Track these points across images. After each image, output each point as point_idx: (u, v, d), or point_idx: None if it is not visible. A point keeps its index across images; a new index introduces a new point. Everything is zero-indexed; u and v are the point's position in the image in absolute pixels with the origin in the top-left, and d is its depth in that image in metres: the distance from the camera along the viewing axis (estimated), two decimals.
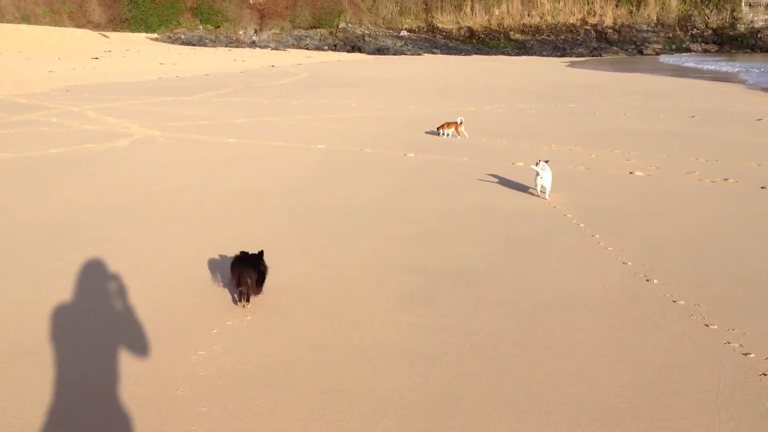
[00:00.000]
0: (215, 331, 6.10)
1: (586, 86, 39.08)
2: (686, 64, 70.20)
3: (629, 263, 8.05)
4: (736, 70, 56.63)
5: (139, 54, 72.36)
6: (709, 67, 63.36)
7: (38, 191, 11.48)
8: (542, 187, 11.50)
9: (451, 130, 18.25)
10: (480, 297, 6.97)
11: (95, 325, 6.16)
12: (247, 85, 35.93)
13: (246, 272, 6.57)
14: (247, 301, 6.68)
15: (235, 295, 6.80)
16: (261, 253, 6.84)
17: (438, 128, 18.42)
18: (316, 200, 10.99)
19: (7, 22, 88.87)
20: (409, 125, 20.58)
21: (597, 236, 9.20)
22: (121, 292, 6.95)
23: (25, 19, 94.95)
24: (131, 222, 9.62)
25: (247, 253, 6.80)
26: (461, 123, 18.05)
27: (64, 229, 9.20)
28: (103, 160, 14.22)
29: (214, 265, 7.73)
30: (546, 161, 11.85)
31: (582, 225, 9.68)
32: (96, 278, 7.37)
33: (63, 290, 6.93)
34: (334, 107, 25.34)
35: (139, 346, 5.77)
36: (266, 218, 9.94)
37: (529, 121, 22.20)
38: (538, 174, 11.49)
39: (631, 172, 13.62)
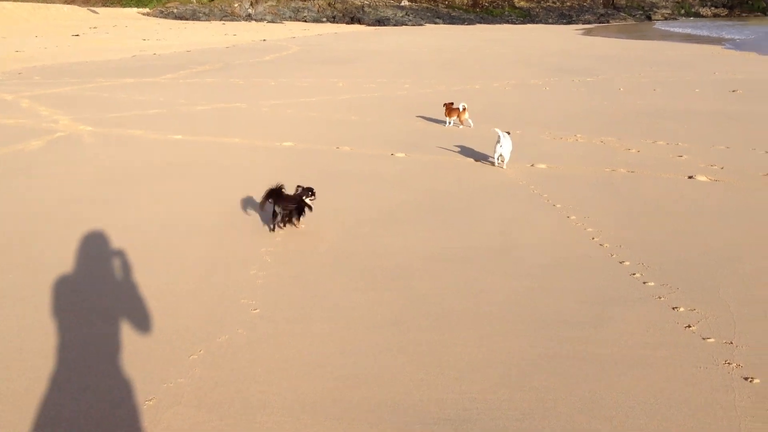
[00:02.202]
0: None
1: (601, 56, 35.54)
2: (699, 32, 65.84)
3: None
4: (753, 36, 52.70)
5: (125, 30, 68.74)
6: (724, 34, 59.19)
7: None
8: (500, 155, 10.93)
9: (453, 119, 14.82)
10: None
11: None
12: (227, 62, 32.43)
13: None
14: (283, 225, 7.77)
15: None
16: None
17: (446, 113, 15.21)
18: (244, 251, 7.58)
19: None
20: (402, 111, 17.17)
21: (693, 328, 5.85)
22: None
23: None
24: None
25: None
26: (464, 110, 14.62)
27: None
28: None
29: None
30: (507, 132, 11.25)
31: (662, 298, 6.26)
32: None
33: None
34: (318, 88, 21.91)
35: None
36: (154, 276, 6.62)
37: (544, 102, 18.77)
38: (498, 141, 10.86)
39: (690, 177, 10.23)
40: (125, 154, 12.09)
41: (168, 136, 13.65)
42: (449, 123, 15.00)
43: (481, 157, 11.76)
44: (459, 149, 12.49)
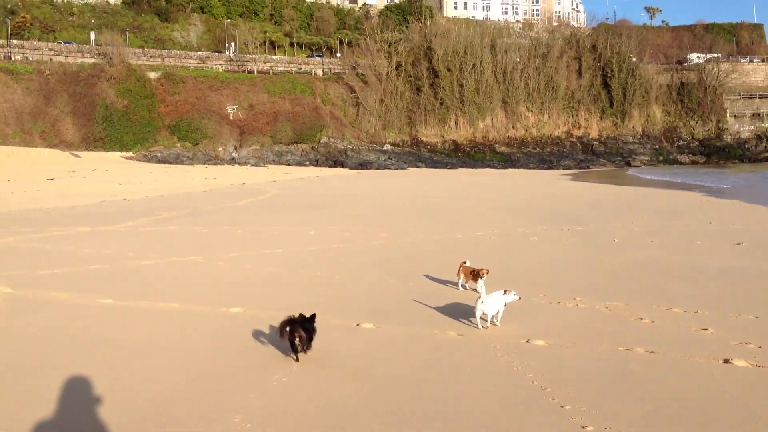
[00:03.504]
0: None
1: (587, 203, 34.31)
2: (677, 179, 65.44)
3: None
4: (729, 185, 52.13)
5: (105, 174, 67.87)
6: (703, 182, 58.69)
7: None
8: (483, 313, 9.80)
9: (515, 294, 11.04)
10: None
11: None
12: (196, 208, 30.85)
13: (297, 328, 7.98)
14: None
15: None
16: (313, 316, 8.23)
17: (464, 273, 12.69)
18: None
19: None
20: (376, 265, 15.28)
21: None
22: None
23: None
24: None
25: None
26: (475, 270, 12.29)
27: None
28: None
29: None
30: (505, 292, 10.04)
31: None
32: None
33: None
34: (287, 237, 20.11)
35: None
36: None
37: (534, 254, 16.98)
38: (480, 298, 9.73)
39: (726, 361, 8.18)
40: (34, 326, 9.96)
41: (96, 301, 11.56)
42: (462, 286, 12.65)
43: (464, 331, 9.73)
44: (439, 316, 10.48)
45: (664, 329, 9.66)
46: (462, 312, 10.73)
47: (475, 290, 11.30)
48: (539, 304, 11.29)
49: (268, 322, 9.97)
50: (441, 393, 7.11)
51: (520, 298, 10.30)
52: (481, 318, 9.86)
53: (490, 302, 9.80)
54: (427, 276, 13.91)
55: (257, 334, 9.44)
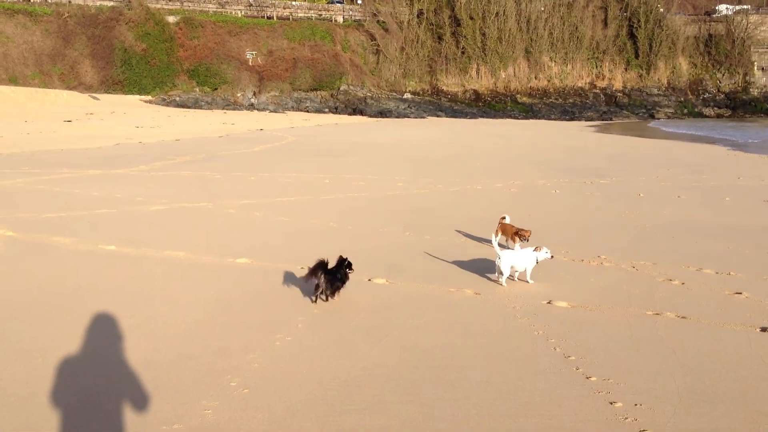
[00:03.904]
0: None
1: (610, 155, 33.37)
2: (701, 133, 63.65)
3: None
4: (757, 140, 50.51)
5: (123, 117, 67.37)
6: (728, 136, 57.00)
7: None
8: (499, 269, 9.23)
9: (547, 251, 9.89)
10: None
11: None
12: (212, 152, 30.31)
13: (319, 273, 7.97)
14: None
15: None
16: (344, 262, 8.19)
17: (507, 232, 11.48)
18: None
19: None
20: (392, 216, 14.73)
21: None
22: None
23: (13, 80, 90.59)
24: None
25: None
26: (518, 230, 11.24)
27: None
28: None
29: None
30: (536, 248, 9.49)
31: None
32: None
33: None
34: (301, 185, 19.55)
35: None
36: None
37: (555, 208, 16.33)
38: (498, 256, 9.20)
39: (764, 329, 7.59)
40: (30, 273, 9.53)
41: (98, 247, 11.12)
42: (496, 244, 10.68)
43: (481, 289, 9.19)
44: (456, 272, 9.95)
45: (696, 292, 9.06)
46: (480, 267, 10.18)
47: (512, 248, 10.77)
48: (561, 262, 10.70)
49: (275, 275, 9.49)
50: (456, 360, 6.60)
51: (552, 256, 9.73)
52: (499, 275, 9.33)
53: (512, 260, 9.26)
54: (444, 228, 13.35)
55: (263, 288, 8.95)
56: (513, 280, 9.49)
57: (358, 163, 26.55)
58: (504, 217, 11.65)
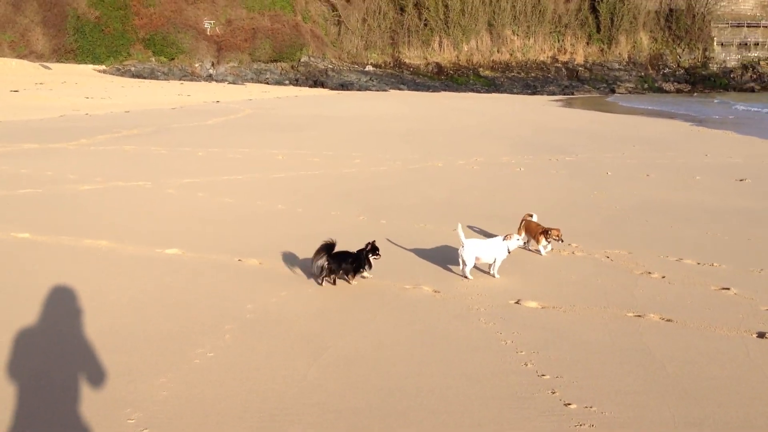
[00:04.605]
0: None
1: (574, 130, 32.58)
2: (662, 108, 63.24)
3: None
4: (716, 116, 50.02)
5: (74, 87, 64.99)
6: (688, 111, 56.51)
7: None
8: (463, 259, 8.31)
9: (519, 239, 8.84)
10: None
11: None
12: (162, 125, 28.81)
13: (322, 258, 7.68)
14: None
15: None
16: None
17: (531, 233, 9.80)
18: None
19: None
20: (345, 198, 13.61)
21: None
22: None
23: None
24: None
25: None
26: (545, 229, 9.56)
27: None
28: None
29: None
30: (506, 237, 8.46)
31: None
32: None
33: None
34: (252, 161, 18.31)
35: None
36: None
37: (521, 189, 15.35)
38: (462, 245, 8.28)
39: (762, 335, 6.66)
40: None
41: (9, 234, 9.83)
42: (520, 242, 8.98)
43: (441, 286, 8.14)
44: (413, 264, 8.88)
45: (678, 287, 8.11)
46: (442, 258, 9.13)
47: (538, 251, 9.60)
48: (529, 251, 9.71)
49: (207, 269, 8.34)
50: (409, 380, 5.52)
51: (526, 243, 8.69)
52: (463, 266, 8.30)
53: (477, 250, 8.23)
54: (402, 211, 12.28)
55: (191, 286, 7.79)
56: (469, 275, 8.41)
57: (316, 138, 25.33)
58: (531, 215, 10.10)
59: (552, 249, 9.61)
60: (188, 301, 7.23)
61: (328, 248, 7.69)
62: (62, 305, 7.05)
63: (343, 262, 7.80)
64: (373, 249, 7.94)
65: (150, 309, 6.95)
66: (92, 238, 9.75)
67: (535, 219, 9.98)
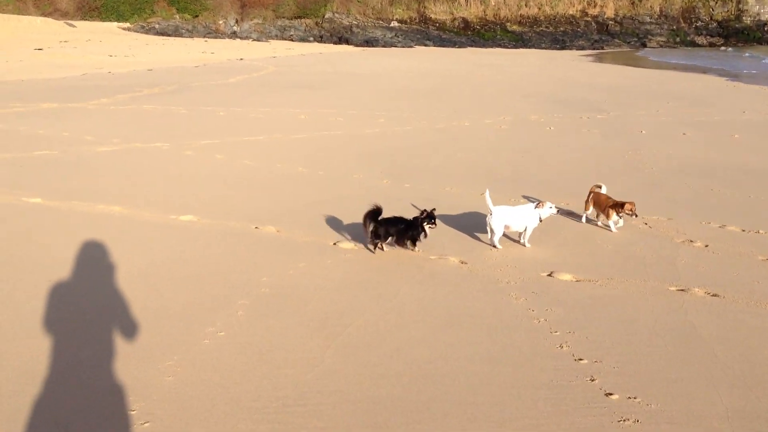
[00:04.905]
0: None
1: (605, 87, 31.59)
2: (695, 63, 61.18)
3: None
4: (754, 70, 48.30)
5: (99, 45, 64.63)
6: (724, 66, 54.67)
7: None
8: (491, 228, 7.87)
9: (552, 207, 8.17)
10: None
11: None
12: (184, 84, 28.33)
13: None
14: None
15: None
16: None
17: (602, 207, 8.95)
18: None
19: None
20: (369, 158, 13.12)
21: None
22: None
23: None
24: None
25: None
26: (618, 202, 8.77)
27: None
28: None
29: None
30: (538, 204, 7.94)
31: None
32: None
33: None
34: (273, 121, 17.83)
35: None
36: None
37: (551, 149, 14.73)
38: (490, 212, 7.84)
39: None
40: None
41: (20, 200, 9.49)
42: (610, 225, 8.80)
43: (469, 257, 7.67)
44: (439, 232, 8.40)
45: (723, 257, 7.58)
46: (469, 225, 8.65)
47: (608, 227, 8.90)
48: (562, 218, 9.18)
49: (222, 237, 7.93)
50: (432, 365, 5.09)
51: (559, 210, 8.19)
52: (492, 235, 7.83)
53: (507, 218, 7.74)
54: (427, 174, 11.77)
55: (204, 256, 7.39)
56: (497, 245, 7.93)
57: (338, 96, 24.74)
58: (599, 186, 9.23)
59: (623, 225, 8.78)
60: (201, 273, 6.84)
61: (375, 214, 7.48)
62: (68, 279, 6.69)
63: (393, 228, 7.55)
64: (429, 216, 7.60)
65: (161, 282, 6.58)
66: (106, 203, 9.39)
67: (604, 191, 9.11)
